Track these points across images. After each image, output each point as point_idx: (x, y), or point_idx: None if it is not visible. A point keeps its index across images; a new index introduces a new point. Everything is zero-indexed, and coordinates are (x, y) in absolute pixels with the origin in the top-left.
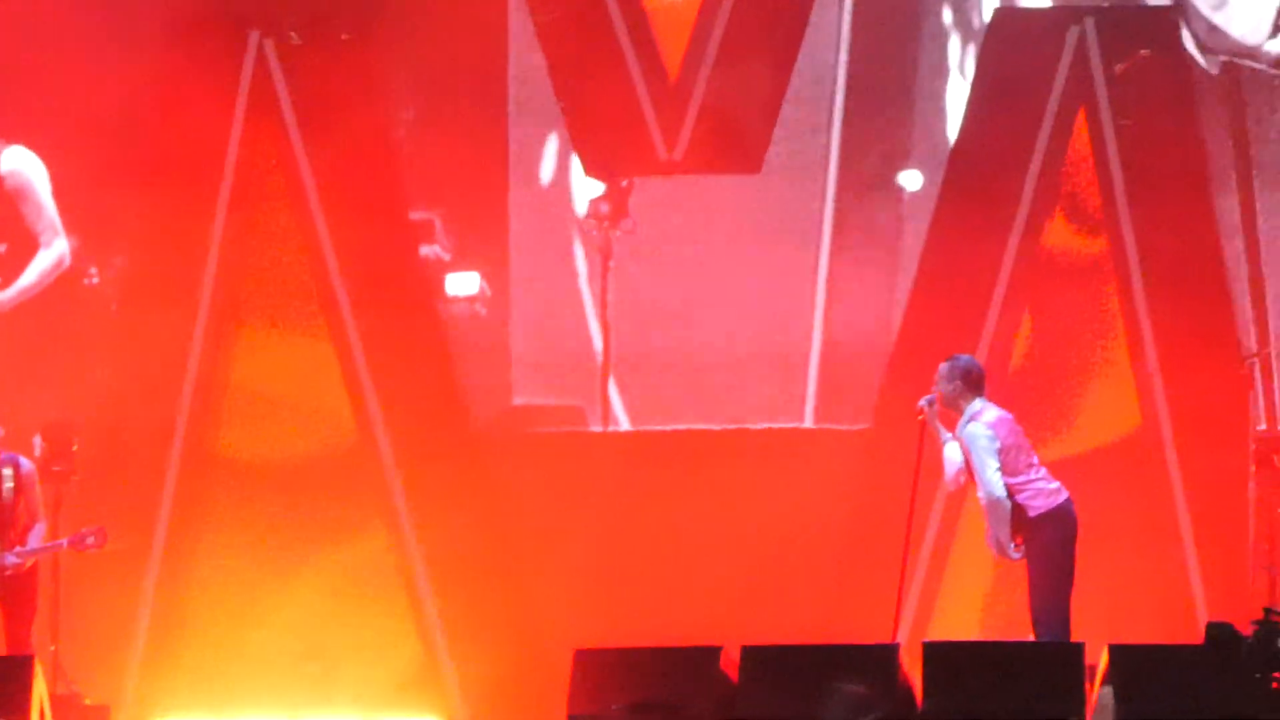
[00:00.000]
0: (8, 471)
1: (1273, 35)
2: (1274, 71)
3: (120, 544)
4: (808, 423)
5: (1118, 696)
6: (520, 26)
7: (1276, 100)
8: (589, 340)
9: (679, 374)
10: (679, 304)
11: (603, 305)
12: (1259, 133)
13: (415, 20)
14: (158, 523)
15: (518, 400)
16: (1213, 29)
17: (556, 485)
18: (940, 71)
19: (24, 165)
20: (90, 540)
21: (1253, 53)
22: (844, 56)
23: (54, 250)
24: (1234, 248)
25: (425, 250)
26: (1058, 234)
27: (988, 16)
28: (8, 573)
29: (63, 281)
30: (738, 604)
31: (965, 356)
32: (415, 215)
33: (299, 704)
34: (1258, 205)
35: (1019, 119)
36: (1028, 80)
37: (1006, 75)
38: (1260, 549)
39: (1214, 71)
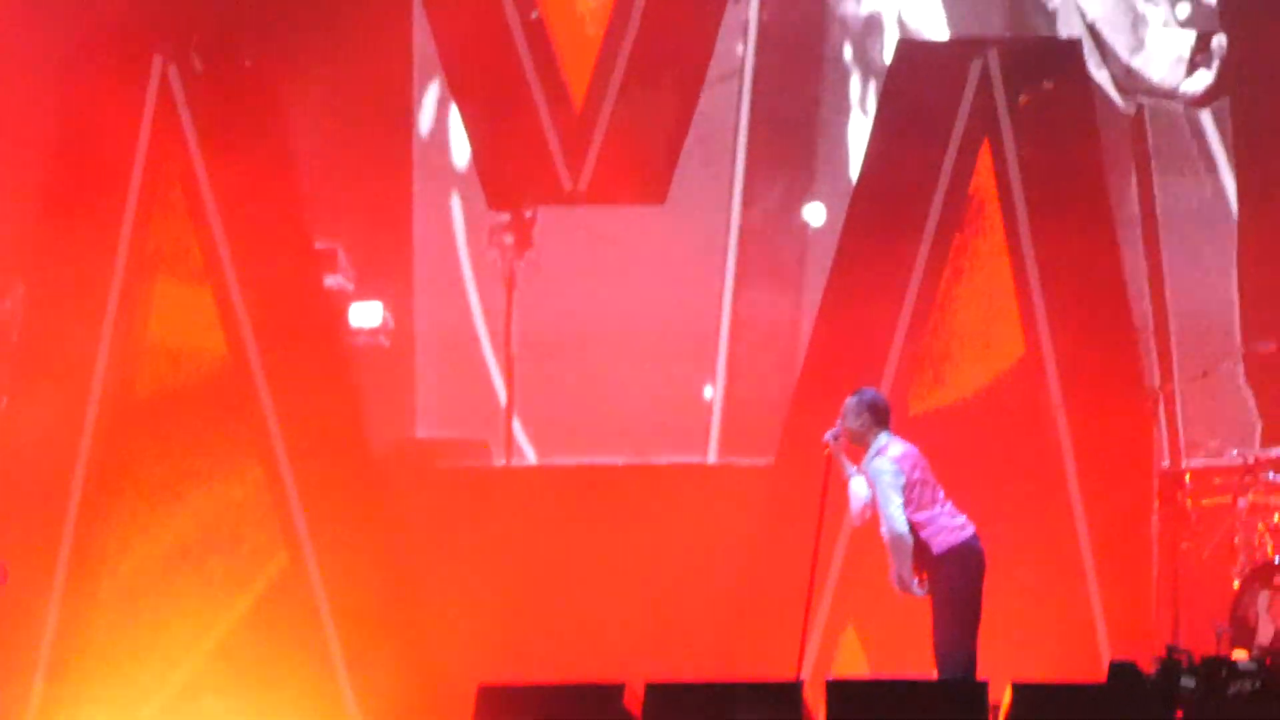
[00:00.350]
0: None
1: (1188, 76)
2: (1189, 110)
3: (15, 586)
4: (712, 458)
5: None
6: (425, 56)
7: (1181, 137)
8: (493, 371)
9: (584, 407)
10: (584, 336)
11: (506, 337)
12: (1163, 168)
13: (319, 48)
14: (59, 551)
15: (421, 433)
16: (1130, 71)
17: (460, 519)
18: (842, 107)
19: None
20: None
21: (1170, 93)
22: (747, 90)
23: None
24: (1139, 282)
25: (329, 280)
26: (962, 267)
27: (889, 53)
28: None
29: None
30: (642, 640)
31: (871, 390)
32: (319, 244)
33: None
34: (1162, 241)
35: (923, 152)
36: (931, 113)
37: (910, 108)
38: (1164, 586)
39: (1130, 111)
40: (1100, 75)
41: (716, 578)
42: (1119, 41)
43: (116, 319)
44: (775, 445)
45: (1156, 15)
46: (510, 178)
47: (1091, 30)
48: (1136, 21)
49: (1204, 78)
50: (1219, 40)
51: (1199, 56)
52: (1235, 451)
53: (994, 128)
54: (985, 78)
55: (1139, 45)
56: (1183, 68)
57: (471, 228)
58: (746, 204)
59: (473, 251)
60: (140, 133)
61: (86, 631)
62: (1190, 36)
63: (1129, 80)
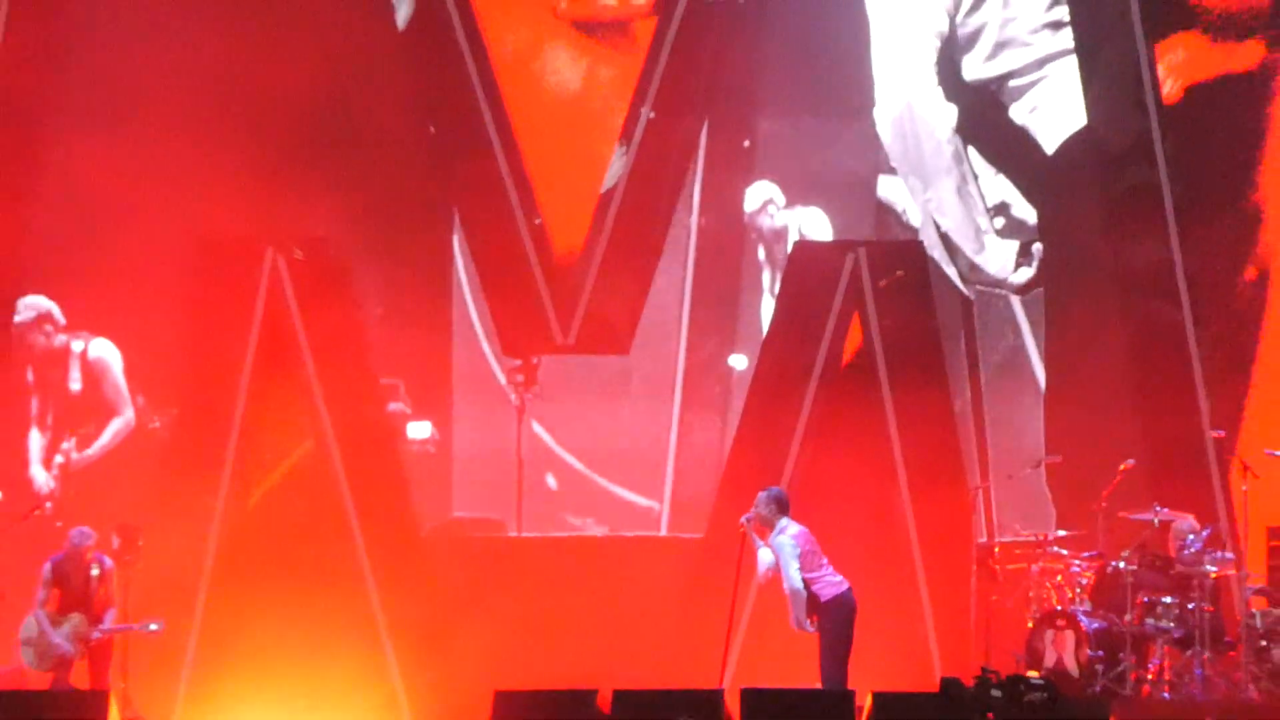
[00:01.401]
0: (95, 571)
1: (1015, 270)
2: (1017, 294)
3: (170, 620)
4: (663, 531)
5: None
6: (463, 249)
7: (1004, 312)
8: (509, 470)
9: (573, 497)
10: (573, 447)
11: (518, 447)
12: (986, 332)
13: (381, 236)
14: (197, 597)
15: (456, 513)
16: (973, 266)
17: (483, 572)
18: (757, 288)
19: (105, 353)
20: (152, 627)
21: (1000, 284)
22: (690, 274)
23: (124, 417)
24: (965, 412)
25: (392, 406)
26: (841, 402)
27: (789, 250)
28: (92, 643)
29: (136, 428)
30: (608, 657)
31: (776, 488)
32: (385, 381)
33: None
34: (982, 384)
35: (811, 321)
36: (817, 293)
37: (802, 290)
38: (979, 626)
39: (972, 297)
40: (950, 270)
41: (664, 613)
42: (965, 246)
43: (239, 438)
44: (705, 525)
45: (992, 226)
46: (520, 335)
47: (944, 238)
48: (977, 232)
49: (1026, 273)
50: (1037, 247)
51: (1022, 258)
52: (1030, 532)
53: (862, 304)
54: (856, 268)
55: (980, 248)
56: (1011, 266)
57: (493, 370)
58: (689, 354)
59: (494, 385)
60: (257, 303)
61: (217, 651)
62: (1015, 244)
63: (971, 274)
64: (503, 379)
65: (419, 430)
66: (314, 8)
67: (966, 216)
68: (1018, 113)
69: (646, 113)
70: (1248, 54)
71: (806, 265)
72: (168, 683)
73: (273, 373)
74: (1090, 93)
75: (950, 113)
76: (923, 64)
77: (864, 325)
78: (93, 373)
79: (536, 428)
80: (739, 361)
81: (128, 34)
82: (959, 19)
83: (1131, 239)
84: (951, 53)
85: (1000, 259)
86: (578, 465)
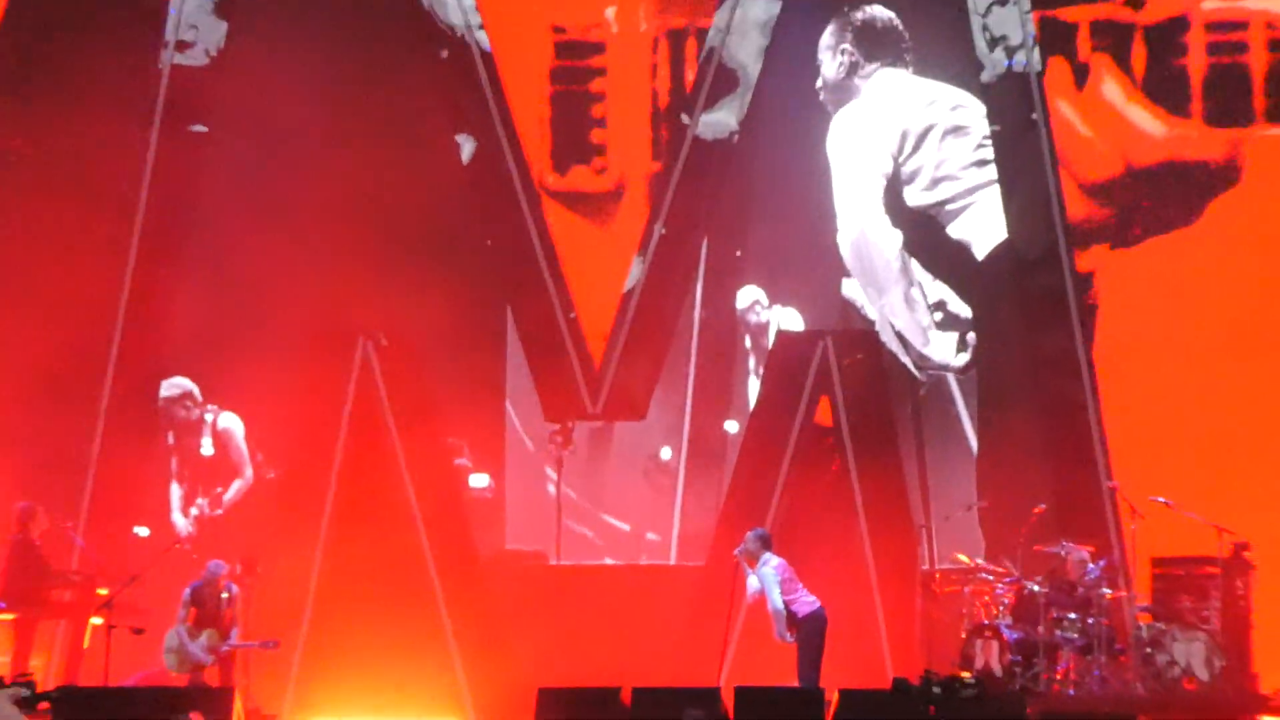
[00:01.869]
0: (225, 595)
1: (955, 355)
2: (957, 375)
3: (282, 631)
4: (672, 561)
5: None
6: (514, 344)
7: (945, 389)
8: (550, 513)
9: (602, 532)
10: (599, 498)
11: (558, 494)
12: (929, 405)
13: (444, 325)
14: (304, 613)
15: (509, 546)
16: (922, 355)
17: (529, 592)
18: (745, 371)
19: (231, 424)
20: (271, 644)
21: (945, 368)
22: (694, 358)
23: (244, 478)
24: (913, 470)
25: (458, 461)
26: (813, 460)
27: (771, 341)
28: (221, 654)
29: (255, 479)
30: (628, 661)
31: (761, 528)
32: (451, 440)
33: (383, 709)
34: (926, 445)
35: (788, 398)
36: (793, 374)
37: (781, 372)
38: (923, 636)
39: (924, 380)
40: (905, 359)
41: (673, 626)
42: (914, 340)
43: (336, 490)
44: (706, 556)
45: (933, 322)
46: (558, 404)
47: (899, 335)
48: (923, 329)
49: (963, 358)
50: (971, 336)
51: (960, 346)
52: (965, 560)
53: (830, 384)
54: (825, 353)
55: (926, 342)
56: (953, 353)
57: (537, 430)
58: (693, 420)
59: (536, 444)
60: (350, 380)
61: (320, 655)
62: (955, 335)
63: (921, 361)
64: (530, 444)
65: (479, 480)
66: (402, 145)
67: (913, 318)
68: (953, 230)
69: (659, 230)
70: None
71: (785, 351)
72: (279, 681)
73: (363, 435)
74: (1010, 214)
75: (897, 236)
76: (872, 197)
77: (831, 402)
78: (221, 440)
79: (569, 480)
80: (732, 426)
81: (262, 153)
82: (901, 159)
83: (1042, 329)
84: (896, 186)
85: (943, 349)
86: (610, 519)
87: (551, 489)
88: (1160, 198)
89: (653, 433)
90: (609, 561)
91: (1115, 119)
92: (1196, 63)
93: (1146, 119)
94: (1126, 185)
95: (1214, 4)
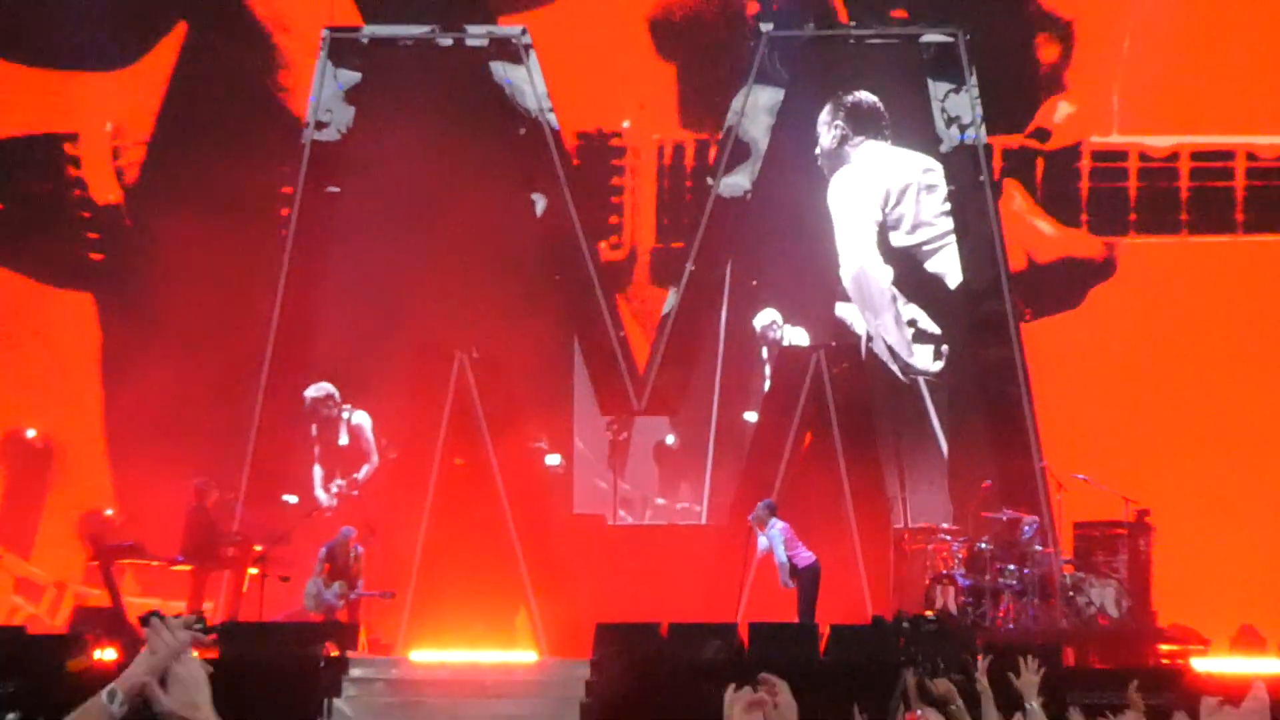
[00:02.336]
0: (353, 554)
1: (933, 362)
2: (932, 378)
3: (396, 582)
4: (703, 521)
5: (834, 648)
6: (578, 357)
7: (917, 392)
8: (610, 486)
9: (649, 502)
10: (646, 474)
11: (614, 472)
12: (906, 406)
13: (531, 351)
14: (412, 566)
15: (576, 510)
16: (906, 364)
17: (590, 548)
18: (763, 374)
19: (362, 420)
20: (388, 594)
21: (924, 373)
22: (720, 365)
23: (371, 463)
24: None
25: (536, 444)
26: (810, 443)
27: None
28: (349, 600)
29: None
30: (667, 600)
31: (769, 499)
32: (536, 445)
33: (473, 642)
34: (901, 438)
35: (792, 393)
36: (796, 377)
37: (783, 379)
38: (895, 583)
39: (906, 382)
40: (893, 366)
41: (702, 573)
42: (901, 352)
43: (439, 466)
44: (728, 520)
45: (914, 336)
46: (612, 401)
47: (890, 348)
48: (908, 344)
49: (938, 365)
50: (944, 348)
51: (936, 356)
52: (928, 523)
53: (822, 386)
54: (818, 364)
55: (910, 354)
56: (930, 361)
57: (594, 423)
58: (720, 414)
59: (594, 433)
60: (449, 388)
61: (428, 601)
62: (931, 347)
63: (906, 368)
64: (603, 427)
65: (553, 459)
66: (490, 200)
67: (901, 335)
68: (929, 266)
69: (689, 267)
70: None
71: (788, 362)
72: (394, 620)
73: (460, 427)
74: (964, 255)
75: (888, 271)
76: (867, 240)
77: (823, 398)
78: (354, 433)
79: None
80: (751, 417)
81: (382, 207)
82: (888, 210)
83: (989, 344)
84: (884, 232)
85: (923, 358)
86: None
87: (607, 468)
88: (1055, 285)
89: (688, 424)
90: (655, 523)
91: (1022, 225)
92: (1085, 184)
93: (1046, 226)
94: (1031, 275)
95: (1099, 139)
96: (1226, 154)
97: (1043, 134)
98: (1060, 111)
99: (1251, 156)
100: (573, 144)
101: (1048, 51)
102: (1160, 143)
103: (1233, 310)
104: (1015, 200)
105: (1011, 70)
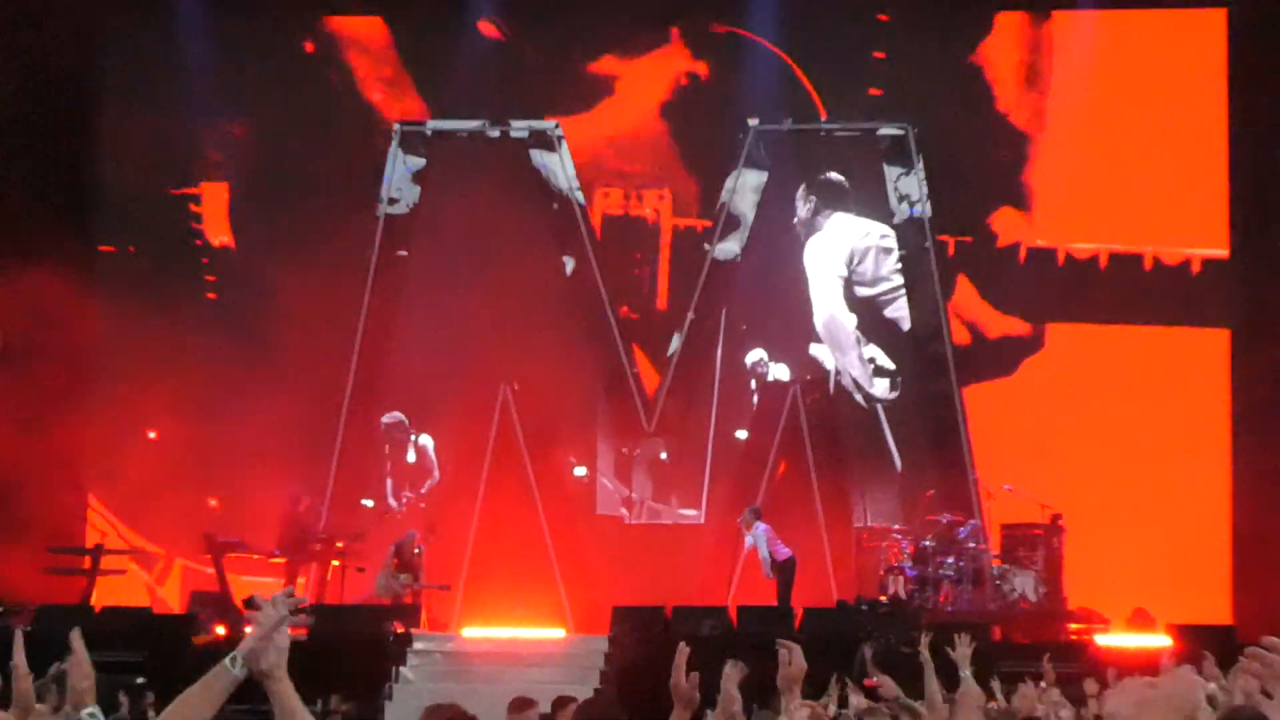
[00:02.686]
0: (417, 550)
1: (890, 392)
2: (890, 407)
3: (450, 576)
4: (702, 520)
5: (806, 625)
6: (602, 399)
7: (878, 417)
8: (625, 491)
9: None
10: (659, 481)
11: (630, 481)
12: (867, 428)
13: (565, 387)
14: (463, 561)
15: (599, 512)
16: (869, 394)
17: (609, 542)
18: (751, 404)
19: (427, 443)
20: (444, 587)
21: (883, 400)
22: (716, 395)
23: (434, 478)
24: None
25: (570, 460)
26: (789, 460)
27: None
28: (414, 589)
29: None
30: (672, 586)
31: (754, 505)
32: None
33: (513, 621)
34: (864, 460)
35: (773, 419)
36: (776, 406)
37: (770, 405)
38: (855, 572)
39: (867, 409)
40: (858, 396)
41: (700, 563)
42: (865, 384)
43: (487, 480)
44: (717, 518)
45: (874, 371)
46: (627, 426)
47: (855, 381)
48: (870, 377)
49: (893, 395)
50: (900, 379)
51: (892, 386)
52: (883, 524)
53: (797, 413)
54: (796, 394)
55: (872, 385)
56: (887, 391)
57: (611, 449)
58: (715, 433)
59: (619, 454)
60: (495, 413)
61: (478, 585)
62: (888, 380)
63: (868, 398)
64: (607, 476)
65: (579, 471)
66: (529, 260)
67: (863, 370)
68: (887, 313)
69: (690, 315)
70: (1007, 323)
71: (770, 393)
72: (449, 603)
73: (504, 445)
74: (912, 305)
75: (853, 318)
76: (835, 292)
77: (800, 421)
78: (420, 452)
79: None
80: (742, 434)
81: (443, 266)
82: (852, 268)
83: (931, 379)
84: (850, 286)
85: (882, 388)
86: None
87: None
88: (994, 357)
89: (689, 442)
90: (662, 522)
91: (969, 307)
92: (1020, 278)
93: (988, 310)
94: (974, 348)
95: (1041, 239)
96: (1136, 257)
97: (989, 236)
98: (1003, 217)
99: (1157, 261)
100: (598, 221)
101: (999, 162)
102: (1084, 246)
103: (1132, 377)
104: (964, 288)
105: (966, 177)
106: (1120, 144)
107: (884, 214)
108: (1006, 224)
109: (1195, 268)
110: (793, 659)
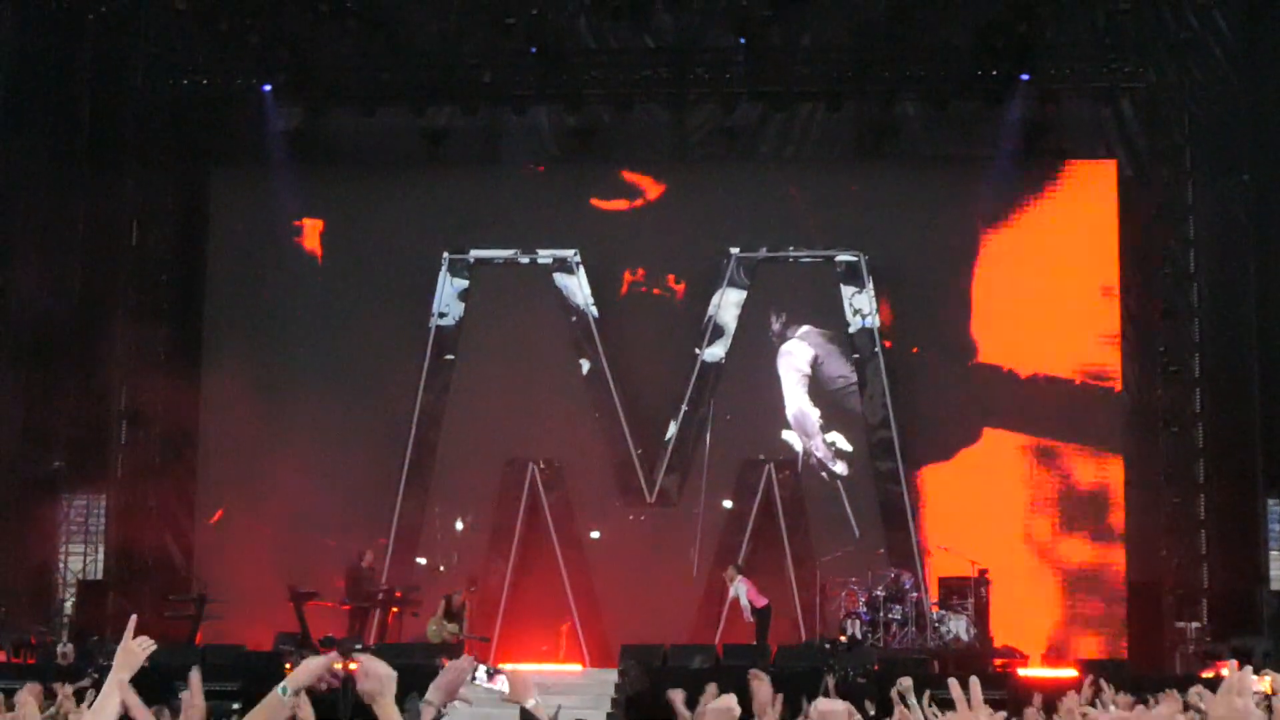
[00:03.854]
0: (462, 602)
1: (847, 470)
2: (847, 482)
3: (485, 622)
4: (694, 574)
5: (779, 659)
6: (614, 468)
7: (835, 487)
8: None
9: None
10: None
11: (637, 547)
12: (828, 499)
13: (579, 463)
14: (499, 610)
15: (610, 568)
16: (831, 471)
17: (618, 593)
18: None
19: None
20: (485, 639)
21: (842, 476)
22: (705, 471)
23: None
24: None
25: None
26: (763, 526)
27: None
28: (458, 638)
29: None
30: (668, 628)
31: (737, 563)
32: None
33: (540, 658)
34: (825, 527)
35: (751, 492)
36: (752, 483)
37: (747, 480)
38: (820, 617)
39: (829, 483)
40: (821, 473)
41: (692, 610)
42: (828, 462)
43: (519, 543)
44: (706, 573)
45: (835, 453)
46: (631, 497)
47: (819, 460)
48: (835, 456)
49: (850, 471)
50: (853, 460)
51: (849, 465)
52: (843, 577)
53: (771, 487)
54: (769, 472)
55: (835, 463)
56: (845, 468)
57: (620, 515)
58: (705, 502)
59: (624, 519)
60: (525, 487)
61: (510, 626)
62: (846, 460)
63: (829, 474)
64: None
65: (594, 535)
66: (551, 361)
67: (827, 451)
68: (844, 405)
69: (684, 407)
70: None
71: (748, 471)
72: (486, 648)
73: (531, 515)
74: (863, 398)
75: (817, 410)
76: (802, 389)
77: (774, 494)
78: (465, 521)
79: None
80: (728, 503)
81: (483, 367)
82: (816, 367)
83: (881, 459)
84: (814, 381)
85: (841, 467)
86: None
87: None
88: (940, 448)
89: (681, 511)
90: (662, 575)
91: (920, 405)
92: (967, 389)
93: (931, 407)
94: (918, 437)
95: (981, 361)
96: (1068, 380)
97: (936, 347)
98: (947, 330)
99: (1084, 383)
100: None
101: (939, 285)
102: (1023, 368)
103: (1046, 475)
104: (910, 385)
105: (910, 295)
106: (1047, 291)
107: (840, 325)
108: (951, 336)
109: (1093, 396)
110: (760, 688)
